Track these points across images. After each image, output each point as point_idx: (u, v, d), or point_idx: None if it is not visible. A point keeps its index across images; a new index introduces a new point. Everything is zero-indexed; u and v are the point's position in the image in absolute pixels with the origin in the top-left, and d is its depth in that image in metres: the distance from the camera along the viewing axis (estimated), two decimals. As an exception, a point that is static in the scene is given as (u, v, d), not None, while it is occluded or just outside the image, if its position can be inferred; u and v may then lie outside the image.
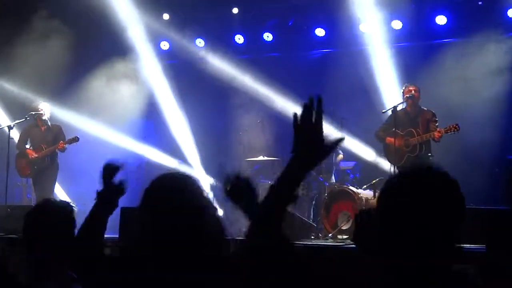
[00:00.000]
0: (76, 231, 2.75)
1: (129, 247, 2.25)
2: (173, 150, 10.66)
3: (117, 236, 5.89)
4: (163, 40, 10.82)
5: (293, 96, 9.68)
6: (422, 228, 1.63)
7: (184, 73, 10.69)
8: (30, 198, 9.12)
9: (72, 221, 2.84)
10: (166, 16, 10.43)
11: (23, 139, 8.76)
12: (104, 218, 2.54)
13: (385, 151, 7.82)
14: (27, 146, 8.68)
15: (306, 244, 6.04)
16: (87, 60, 10.48)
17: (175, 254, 2.08)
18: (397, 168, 7.30)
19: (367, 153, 9.21)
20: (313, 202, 8.21)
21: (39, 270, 2.72)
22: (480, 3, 8.93)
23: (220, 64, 10.29)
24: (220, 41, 10.45)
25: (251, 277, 1.75)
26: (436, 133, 7.15)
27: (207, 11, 10.10)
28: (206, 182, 10.28)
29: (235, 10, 10.21)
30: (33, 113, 8.60)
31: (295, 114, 1.79)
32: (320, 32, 9.99)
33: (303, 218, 7.28)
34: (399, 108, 7.52)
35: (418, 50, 9.40)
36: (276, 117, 9.52)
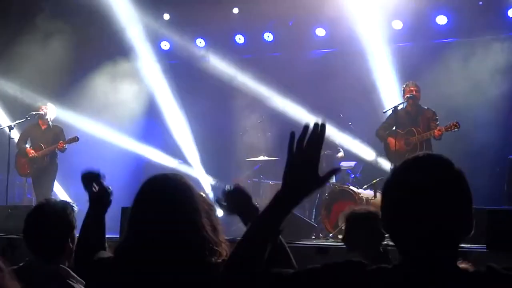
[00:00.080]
0: (76, 231, 2.75)
1: (119, 247, 2.25)
2: (173, 150, 10.66)
3: (118, 236, 5.89)
4: (164, 40, 10.81)
5: (293, 96, 9.68)
6: (429, 219, 1.54)
7: (185, 73, 10.69)
8: (31, 198, 9.12)
9: (73, 221, 2.84)
10: (166, 16, 10.43)
11: (23, 138, 8.77)
12: (101, 218, 2.56)
13: (386, 150, 7.83)
14: (27, 146, 8.68)
15: (307, 244, 6.03)
16: (88, 60, 10.48)
17: (166, 254, 2.07)
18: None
19: (368, 153, 9.20)
20: (314, 202, 8.21)
21: (39, 270, 2.72)
22: (480, 3, 8.93)
23: (220, 64, 10.30)
24: (221, 41, 10.45)
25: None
26: (436, 131, 7.16)
27: (207, 11, 10.09)
28: (206, 182, 10.29)
29: (235, 10, 10.20)
30: (34, 113, 8.61)
31: (292, 134, 1.61)
32: (320, 32, 9.98)
33: (304, 218, 7.27)
34: (399, 108, 7.53)
35: (418, 50, 9.39)
36: (276, 117, 9.52)
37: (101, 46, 10.40)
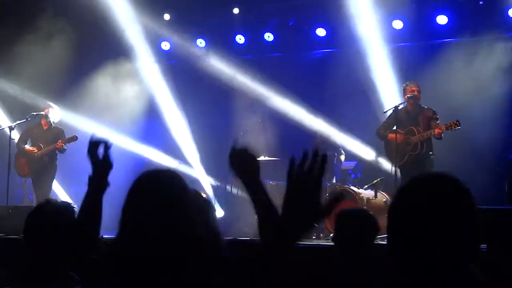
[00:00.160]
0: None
1: (115, 242, 2.25)
2: (173, 150, 10.66)
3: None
4: (164, 40, 10.82)
5: (294, 96, 9.68)
6: (433, 235, 1.52)
7: (185, 73, 10.69)
8: (32, 199, 9.12)
9: (73, 222, 2.84)
10: (167, 16, 10.43)
11: (23, 139, 8.77)
12: (98, 198, 2.55)
13: (386, 150, 7.81)
14: (27, 146, 8.68)
15: (307, 244, 6.03)
16: (88, 60, 10.48)
17: (160, 254, 2.07)
18: (398, 167, 7.29)
19: (368, 153, 9.20)
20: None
21: (40, 271, 2.72)
22: (481, 2, 8.93)
23: (221, 64, 10.30)
24: (221, 41, 10.45)
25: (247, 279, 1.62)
26: (436, 130, 7.14)
27: (208, 11, 10.10)
28: (206, 182, 10.29)
29: (236, 10, 10.20)
30: (35, 113, 8.61)
31: (292, 160, 1.52)
32: (321, 32, 9.98)
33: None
34: (400, 107, 7.53)
35: (419, 50, 9.40)
36: (277, 117, 9.52)
37: (102, 47, 10.40)
